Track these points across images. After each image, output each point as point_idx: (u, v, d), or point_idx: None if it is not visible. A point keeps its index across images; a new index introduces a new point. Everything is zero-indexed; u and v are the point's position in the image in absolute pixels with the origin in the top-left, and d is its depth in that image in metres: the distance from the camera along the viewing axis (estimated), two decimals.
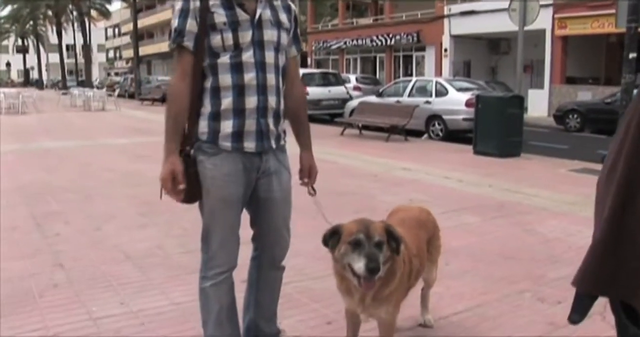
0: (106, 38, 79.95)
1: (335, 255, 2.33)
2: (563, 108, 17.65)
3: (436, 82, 14.87)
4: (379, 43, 30.82)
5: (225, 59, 2.40)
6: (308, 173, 2.72)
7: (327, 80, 19.43)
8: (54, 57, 60.87)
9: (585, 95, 20.24)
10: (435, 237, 3.03)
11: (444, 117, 13.83)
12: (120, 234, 5.19)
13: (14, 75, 77.16)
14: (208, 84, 2.44)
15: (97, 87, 39.92)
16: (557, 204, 6.43)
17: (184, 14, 2.40)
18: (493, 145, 10.38)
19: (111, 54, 79.76)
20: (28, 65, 71.25)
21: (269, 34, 2.46)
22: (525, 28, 11.98)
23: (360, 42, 32.14)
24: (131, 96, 34.47)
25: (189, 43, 2.40)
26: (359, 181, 7.86)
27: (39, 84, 61.68)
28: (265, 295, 2.79)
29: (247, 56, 2.41)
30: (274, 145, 2.54)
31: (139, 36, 39.98)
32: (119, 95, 34.08)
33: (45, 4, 53.64)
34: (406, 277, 2.50)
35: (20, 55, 69.33)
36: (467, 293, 3.78)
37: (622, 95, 9.22)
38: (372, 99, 15.94)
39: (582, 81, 22.06)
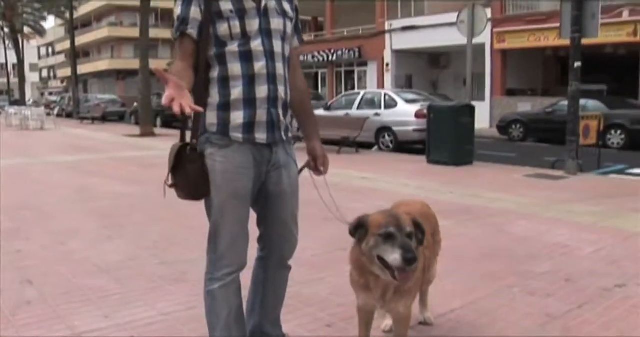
0: (39, 57, 77.34)
1: (362, 248, 2.26)
2: (506, 119, 18.19)
3: (385, 95, 15.04)
4: (321, 59, 31.08)
5: (233, 48, 2.32)
6: (323, 162, 2.65)
7: None
8: None
9: (525, 106, 20.92)
10: (436, 232, 3.02)
11: (394, 128, 13.96)
12: (88, 248, 4.96)
13: None
14: (215, 74, 2.35)
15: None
16: (521, 207, 6.55)
17: (187, 1, 2.32)
18: (446, 154, 10.56)
19: (45, 73, 77.16)
20: None
21: (276, 23, 2.40)
22: (465, 42, 12.20)
23: (301, 58, 32.22)
24: (69, 115, 33.50)
25: (192, 30, 2.32)
26: (321, 191, 7.79)
27: None
28: (271, 297, 2.68)
29: (256, 44, 2.34)
30: (284, 137, 2.48)
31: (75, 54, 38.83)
32: (57, 115, 33.08)
33: None
34: (422, 270, 2.47)
35: None
36: (458, 291, 3.78)
37: (569, 101, 9.54)
38: (321, 112, 15.97)
39: (522, 93, 22.81)
